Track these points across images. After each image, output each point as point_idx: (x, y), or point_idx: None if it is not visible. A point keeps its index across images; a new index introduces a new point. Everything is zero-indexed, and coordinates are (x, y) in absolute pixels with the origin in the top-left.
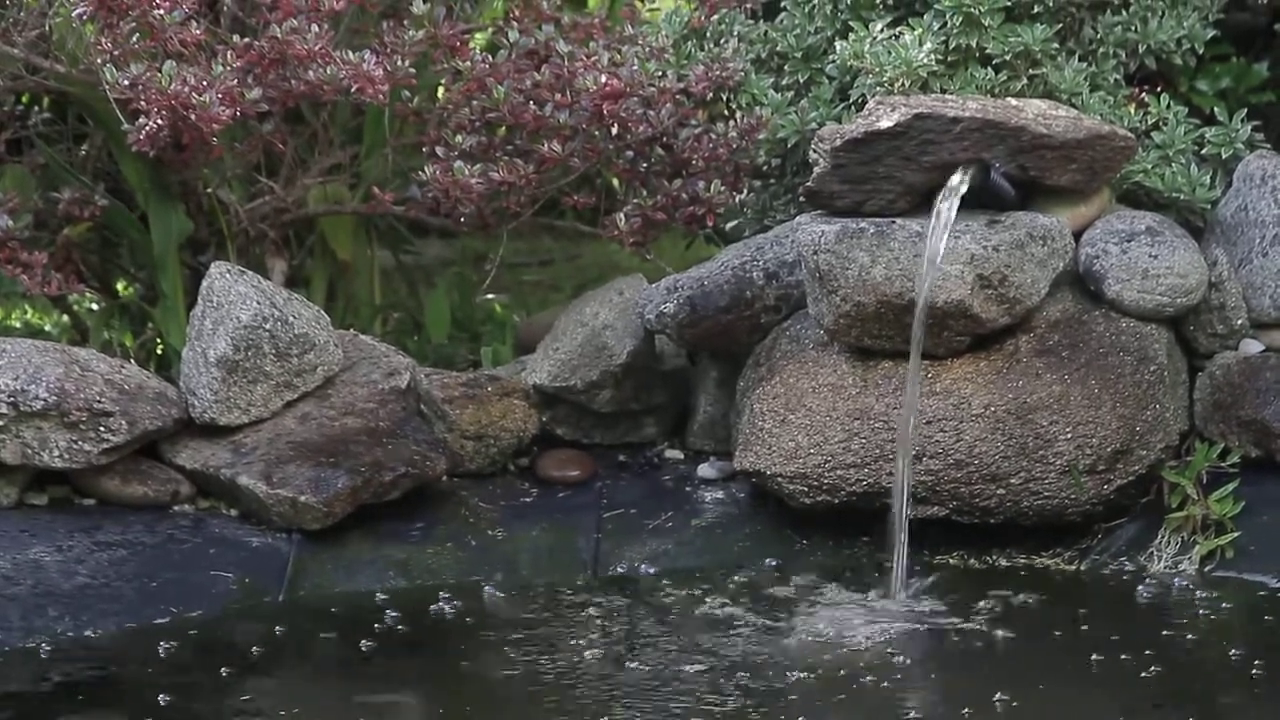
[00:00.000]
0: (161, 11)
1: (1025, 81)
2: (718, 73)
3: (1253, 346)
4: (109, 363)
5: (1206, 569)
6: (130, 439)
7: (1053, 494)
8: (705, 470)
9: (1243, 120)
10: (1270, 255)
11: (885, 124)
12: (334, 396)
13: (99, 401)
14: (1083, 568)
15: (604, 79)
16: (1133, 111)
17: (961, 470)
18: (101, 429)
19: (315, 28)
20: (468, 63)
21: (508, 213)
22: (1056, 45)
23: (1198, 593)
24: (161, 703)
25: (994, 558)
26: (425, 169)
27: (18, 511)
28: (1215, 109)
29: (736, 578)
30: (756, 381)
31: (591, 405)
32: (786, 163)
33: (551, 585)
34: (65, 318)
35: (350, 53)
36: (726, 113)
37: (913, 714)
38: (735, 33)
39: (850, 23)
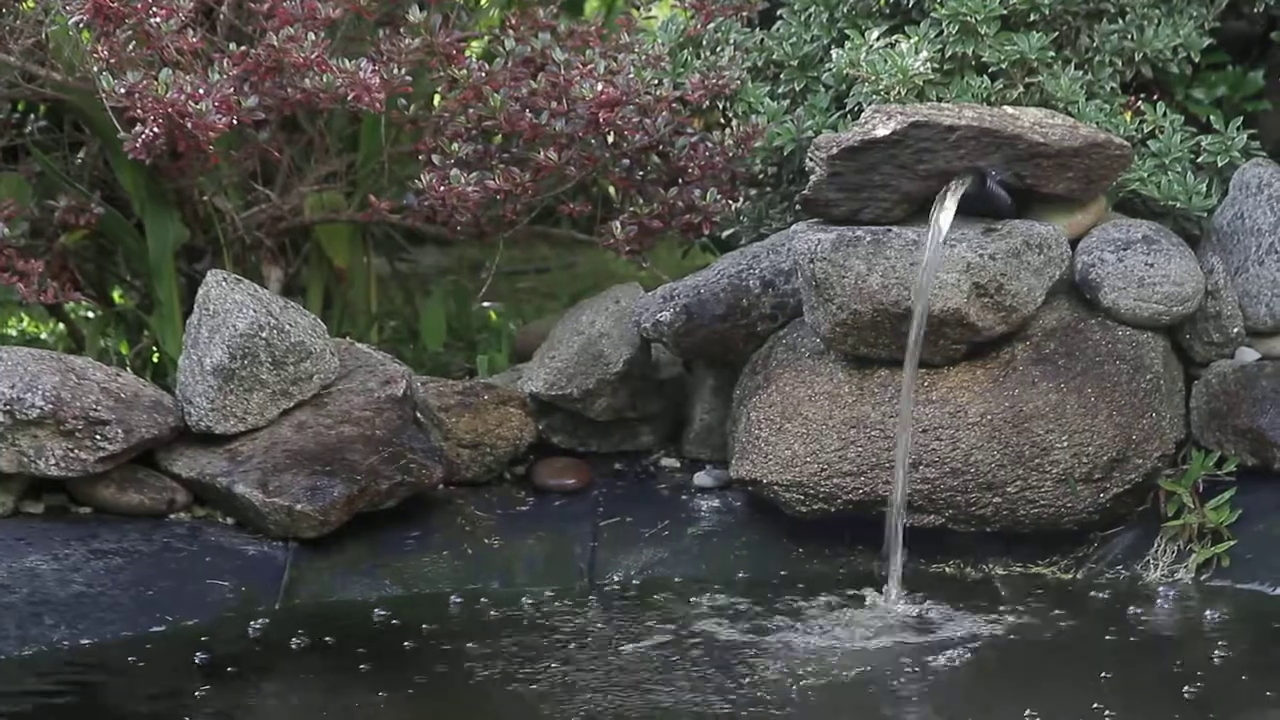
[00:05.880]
0: (158, 19)
1: (1021, 90)
2: (714, 81)
3: (1249, 355)
4: (105, 371)
5: (1203, 577)
6: (126, 447)
7: (1049, 502)
8: (701, 479)
9: (1239, 128)
10: (1266, 264)
11: (882, 132)
12: (330, 405)
13: (95, 410)
14: (1079, 576)
15: (600, 87)
16: (1129, 120)
17: (958, 479)
18: (98, 437)
19: (312, 36)
20: (464, 71)
21: (504, 221)
22: (1053, 54)
23: (1194, 601)
24: (157, 711)
25: (990, 566)
26: (421, 177)
27: (14, 520)
28: (1211, 117)
29: (733, 586)
30: (753, 390)
31: (588, 414)
32: (783, 171)
33: (547, 594)
34: (61, 326)
35: (346, 61)
36: (723, 121)
37: None
38: (732, 41)
39: (846, 31)
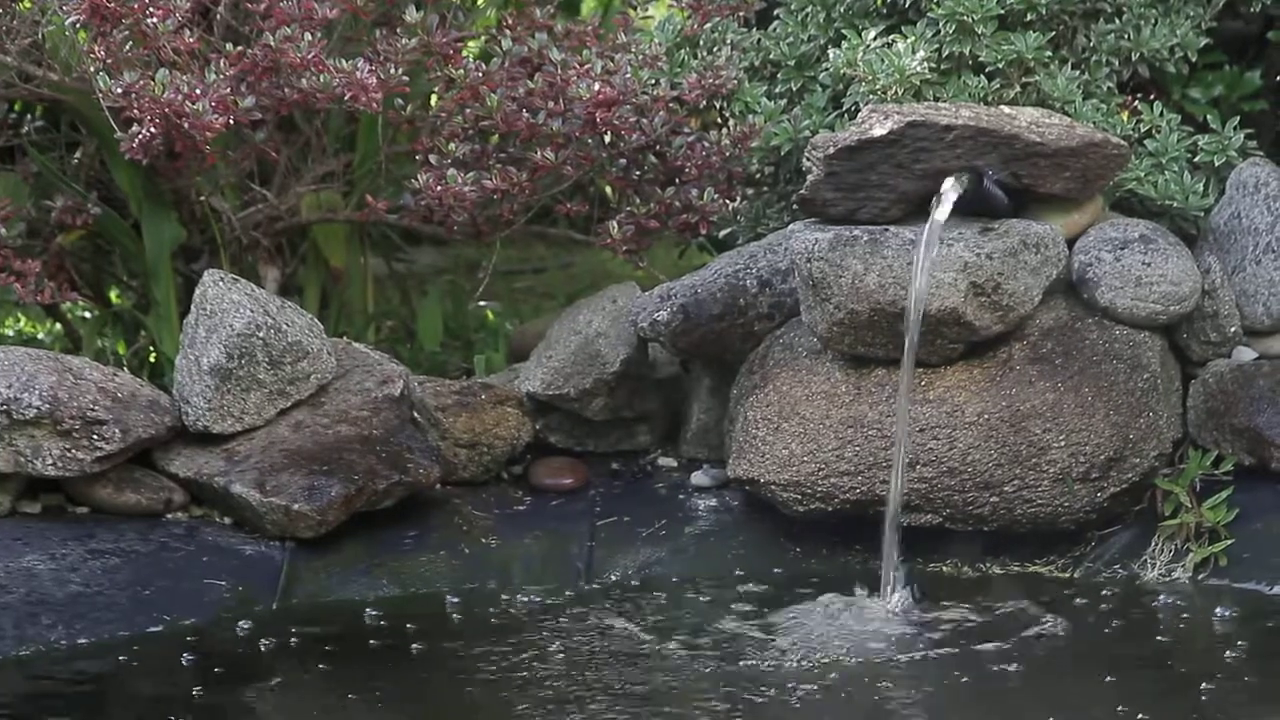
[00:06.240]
0: (155, 19)
1: (1018, 89)
2: (711, 81)
3: (1246, 354)
4: (102, 371)
5: (1200, 577)
6: (123, 447)
7: (1046, 502)
8: (698, 478)
9: (1236, 128)
10: (1263, 263)
11: (879, 132)
12: (327, 404)
13: (92, 409)
14: (1076, 575)
15: (597, 87)
16: (1126, 119)
17: (955, 478)
18: (95, 437)
19: (308, 36)
20: (461, 71)
21: (501, 221)
22: (1049, 53)
23: (1191, 600)
24: (154, 712)
25: (987, 565)
26: (418, 177)
27: (11, 519)
28: (1208, 117)
29: (729, 586)
30: (750, 389)
31: (585, 413)
32: (780, 170)
33: (544, 593)
34: (58, 326)
35: (343, 61)
36: (720, 120)
37: None
38: (728, 41)
39: (843, 31)
